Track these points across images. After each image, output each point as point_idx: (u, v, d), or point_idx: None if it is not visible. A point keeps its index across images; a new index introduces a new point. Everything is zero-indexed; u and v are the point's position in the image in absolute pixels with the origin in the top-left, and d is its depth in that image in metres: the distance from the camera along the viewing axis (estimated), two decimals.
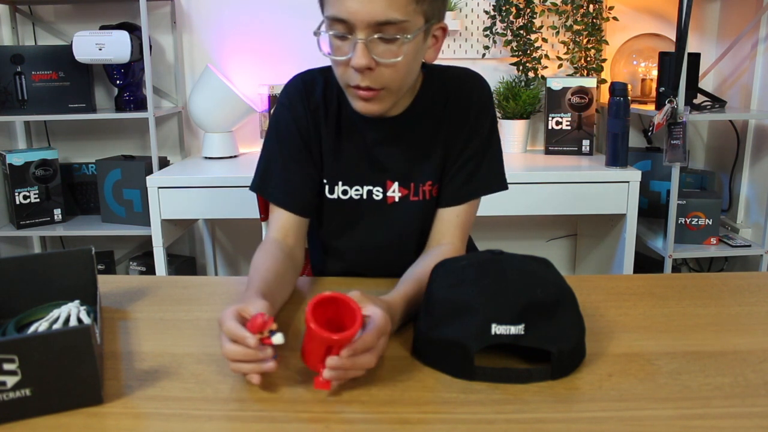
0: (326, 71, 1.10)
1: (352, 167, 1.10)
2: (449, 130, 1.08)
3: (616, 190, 2.05)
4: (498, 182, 1.12)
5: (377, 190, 1.11)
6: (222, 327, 0.74)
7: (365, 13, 0.89)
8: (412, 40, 0.93)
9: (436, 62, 1.11)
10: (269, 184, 1.11)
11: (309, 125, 1.10)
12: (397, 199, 1.11)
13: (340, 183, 1.11)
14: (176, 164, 2.37)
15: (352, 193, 1.11)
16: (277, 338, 0.72)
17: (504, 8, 2.38)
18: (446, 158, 1.09)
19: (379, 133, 1.08)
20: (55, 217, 2.37)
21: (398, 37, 0.91)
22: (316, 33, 0.96)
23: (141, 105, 2.40)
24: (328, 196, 1.12)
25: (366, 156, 1.09)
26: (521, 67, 2.43)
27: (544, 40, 2.43)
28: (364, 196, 1.11)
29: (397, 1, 0.89)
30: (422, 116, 1.08)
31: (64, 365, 0.68)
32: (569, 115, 2.34)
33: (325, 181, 1.12)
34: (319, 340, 0.71)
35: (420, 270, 0.98)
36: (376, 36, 0.91)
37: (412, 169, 1.10)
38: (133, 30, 2.26)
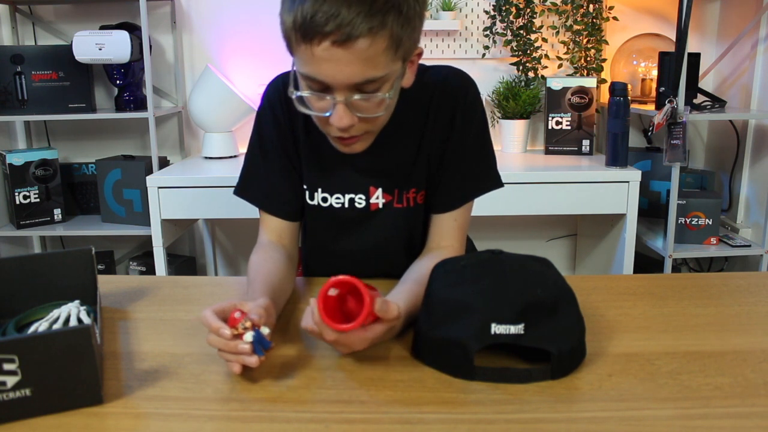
0: None
1: (332, 174, 1.07)
2: (434, 133, 1.05)
3: (616, 190, 2.05)
4: (493, 181, 1.09)
5: (360, 198, 1.07)
6: (200, 318, 0.77)
7: (343, 77, 0.83)
8: (393, 89, 0.88)
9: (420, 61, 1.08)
10: (252, 187, 1.11)
11: (288, 128, 1.07)
12: (380, 206, 1.08)
13: (319, 190, 1.08)
14: (176, 164, 2.37)
15: (333, 201, 1.08)
16: (246, 337, 0.74)
17: (504, 8, 2.38)
18: (432, 162, 1.06)
19: None
20: (55, 217, 2.37)
21: (379, 94, 0.86)
22: (291, 93, 0.90)
23: (141, 105, 2.40)
24: (309, 202, 1.09)
25: (347, 163, 1.05)
26: (521, 67, 2.43)
27: (544, 40, 2.43)
28: (346, 205, 1.08)
29: (376, 59, 0.82)
30: (404, 121, 1.03)
31: (64, 365, 0.68)
32: (569, 115, 2.34)
33: (305, 186, 1.09)
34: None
35: (422, 273, 0.95)
36: (356, 97, 0.85)
37: (396, 175, 1.06)
38: (133, 30, 2.26)
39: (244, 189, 1.12)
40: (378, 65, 0.83)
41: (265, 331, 0.75)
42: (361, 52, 0.81)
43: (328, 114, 0.88)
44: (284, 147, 1.08)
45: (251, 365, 0.74)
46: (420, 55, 0.94)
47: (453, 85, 1.04)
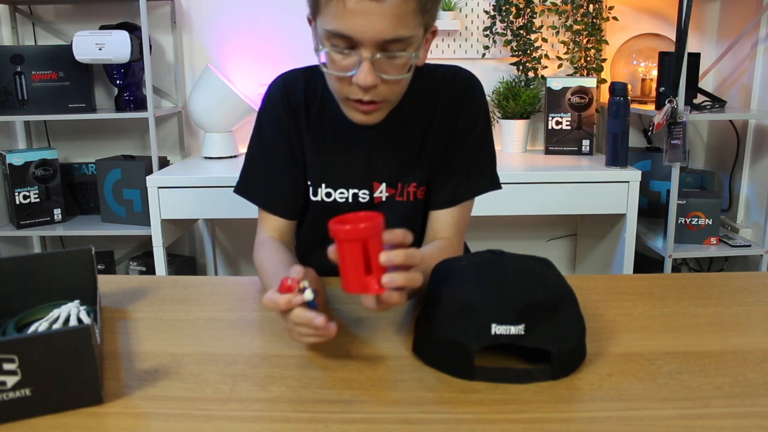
0: (309, 71, 1.08)
1: (336, 169, 1.08)
2: (439, 131, 1.06)
3: (616, 190, 2.05)
4: (491, 182, 1.10)
5: (363, 193, 1.08)
6: (264, 300, 0.78)
7: (373, 32, 0.84)
8: (417, 52, 0.90)
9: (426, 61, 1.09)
10: (252, 186, 1.11)
11: (290, 127, 1.08)
12: (384, 199, 1.09)
13: (323, 185, 1.09)
14: (176, 164, 2.37)
15: (336, 196, 1.08)
16: (307, 294, 0.77)
17: (504, 8, 2.38)
18: (435, 159, 1.07)
19: (364, 135, 1.05)
20: (55, 217, 2.37)
21: (404, 54, 0.88)
22: (317, 50, 0.92)
23: (141, 105, 2.40)
24: (312, 198, 1.10)
25: (351, 158, 1.07)
26: (521, 67, 2.43)
27: (544, 40, 2.43)
28: (350, 200, 1.08)
29: (405, 18, 0.85)
30: (410, 117, 1.05)
31: (64, 365, 0.68)
32: (569, 115, 2.34)
33: (309, 182, 1.10)
34: (351, 246, 0.75)
35: (428, 247, 1.00)
36: (381, 55, 0.87)
37: (399, 169, 1.07)
38: (133, 30, 2.27)
39: (244, 188, 1.12)
40: (407, 24, 0.86)
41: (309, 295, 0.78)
42: (394, 7, 0.83)
43: (352, 73, 0.89)
44: (286, 146, 1.08)
45: (330, 335, 0.76)
46: (435, 33, 0.97)
47: (461, 84, 1.06)
